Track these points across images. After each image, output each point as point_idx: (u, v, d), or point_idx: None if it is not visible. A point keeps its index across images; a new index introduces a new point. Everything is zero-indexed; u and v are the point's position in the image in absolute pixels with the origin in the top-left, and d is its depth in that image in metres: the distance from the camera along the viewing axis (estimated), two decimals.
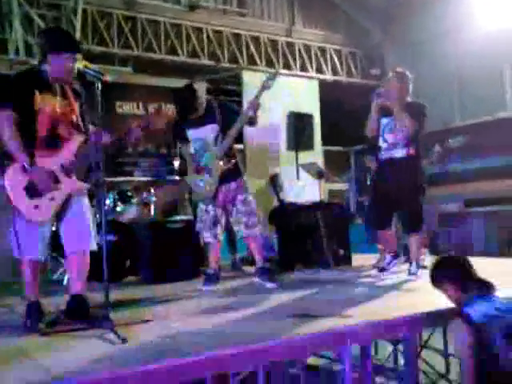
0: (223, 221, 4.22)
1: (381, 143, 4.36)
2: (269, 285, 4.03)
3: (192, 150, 4.24)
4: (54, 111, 2.97)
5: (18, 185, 2.86)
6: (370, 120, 4.37)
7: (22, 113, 2.90)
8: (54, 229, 3.13)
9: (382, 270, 4.47)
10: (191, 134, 4.20)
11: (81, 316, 2.91)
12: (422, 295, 3.35)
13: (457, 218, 9.30)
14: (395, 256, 4.51)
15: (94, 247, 3.05)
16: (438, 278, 2.84)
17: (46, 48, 3.02)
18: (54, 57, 2.96)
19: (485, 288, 2.67)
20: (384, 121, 4.32)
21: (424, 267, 4.64)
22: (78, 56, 3.03)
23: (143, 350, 2.33)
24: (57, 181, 2.93)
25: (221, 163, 4.06)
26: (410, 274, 4.22)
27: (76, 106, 3.07)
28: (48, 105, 2.95)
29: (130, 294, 4.19)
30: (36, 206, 2.87)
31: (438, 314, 2.89)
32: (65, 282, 5.07)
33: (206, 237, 4.20)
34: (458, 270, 2.78)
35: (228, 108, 4.28)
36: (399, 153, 4.25)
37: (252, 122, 4.11)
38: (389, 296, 3.54)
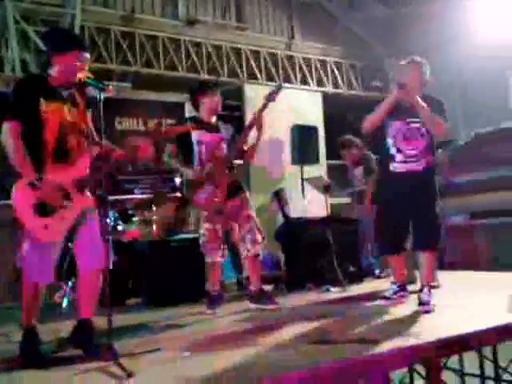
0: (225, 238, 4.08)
1: (393, 151, 3.72)
2: (268, 307, 3.84)
3: (194, 157, 3.98)
4: (62, 120, 2.71)
5: (25, 203, 2.60)
6: (377, 113, 3.70)
7: (27, 123, 2.65)
8: None
9: (384, 298, 3.86)
10: (198, 137, 3.97)
11: (86, 343, 2.70)
12: (443, 317, 3.17)
13: (464, 231, 9.10)
14: (401, 286, 3.90)
15: (110, 266, 2.76)
16: None
17: (49, 50, 2.79)
18: (59, 57, 2.73)
19: None
20: (393, 124, 3.70)
21: (434, 287, 4.37)
22: (86, 56, 2.80)
23: None
24: (68, 197, 2.68)
25: (228, 175, 3.91)
26: (420, 304, 3.51)
27: (87, 114, 2.83)
28: (55, 113, 2.70)
29: (133, 318, 3.98)
30: (46, 226, 2.61)
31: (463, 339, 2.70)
32: (64, 305, 4.87)
33: (215, 256, 4.00)
34: None
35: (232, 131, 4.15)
36: (419, 165, 3.67)
37: (246, 159, 4.08)
38: (409, 317, 3.31)
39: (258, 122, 3.90)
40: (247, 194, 4.09)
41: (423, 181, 3.69)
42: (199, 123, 4.04)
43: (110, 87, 2.67)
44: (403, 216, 3.70)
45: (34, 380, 2.33)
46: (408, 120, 3.68)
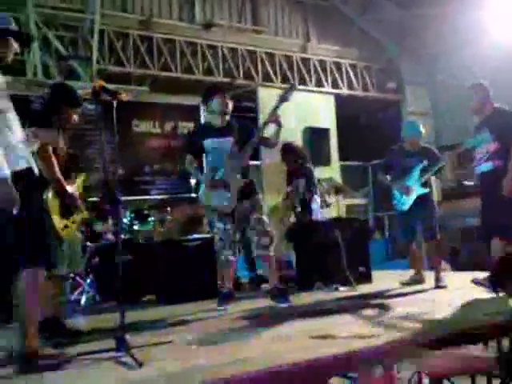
0: (238, 238, 4.21)
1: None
2: (282, 305, 3.96)
3: (208, 162, 4.13)
4: None
5: (55, 205, 3.22)
6: None
7: None
8: None
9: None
10: (210, 143, 4.09)
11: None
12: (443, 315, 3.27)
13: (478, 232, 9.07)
14: None
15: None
16: None
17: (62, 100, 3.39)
18: (67, 109, 3.39)
19: None
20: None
21: (442, 287, 4.54)
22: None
23: (160, 375, 2.27)
24: None
25: (239, 178, 4.02)
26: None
27: None
28: None
29: (146, 314, 4.14)
30: (65, 226, 3.29)
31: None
32: (82, 302, 5.07)
33: (227, 254, 4.12)
34: None
35: (247, 126, 4.22)
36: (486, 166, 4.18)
37: (269, 143, 4.12)
38: (411, 315, 3.41)
39: (273, 119, 4.00)
40: (260, 196, 4.20)
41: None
42: (210, 129, 4.17)
43: (123, 94, 2.85)
44: None
45: (52, 368, 2.48)
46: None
